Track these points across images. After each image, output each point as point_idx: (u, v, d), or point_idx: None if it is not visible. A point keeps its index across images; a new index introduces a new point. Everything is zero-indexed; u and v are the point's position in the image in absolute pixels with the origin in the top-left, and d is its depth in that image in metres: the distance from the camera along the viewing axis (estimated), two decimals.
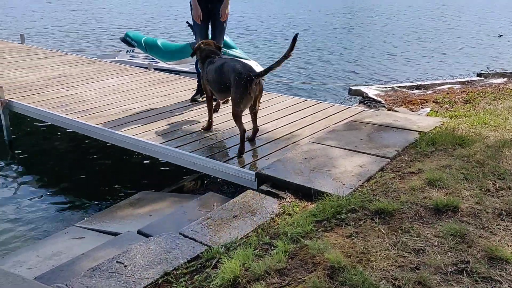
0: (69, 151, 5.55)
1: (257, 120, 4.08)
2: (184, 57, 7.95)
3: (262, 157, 3.76)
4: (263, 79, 3.89)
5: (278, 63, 3.62)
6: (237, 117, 3.80)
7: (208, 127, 4.40)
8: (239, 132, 3.83)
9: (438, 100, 5.86)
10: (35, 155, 5.44)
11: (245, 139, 3.88)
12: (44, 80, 6.17)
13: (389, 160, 3.47)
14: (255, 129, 4.08)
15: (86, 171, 5.03)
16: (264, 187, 3.26)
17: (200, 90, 5.40)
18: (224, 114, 4.87)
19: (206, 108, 4.42)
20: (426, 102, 5.87)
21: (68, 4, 23.58)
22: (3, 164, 5.17)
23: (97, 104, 5.16)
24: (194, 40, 8.06)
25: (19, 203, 4.33)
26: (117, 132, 4.36)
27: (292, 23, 19.35)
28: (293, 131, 4.36)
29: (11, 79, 6.18)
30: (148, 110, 5.00)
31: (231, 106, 3.82)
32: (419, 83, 7.18)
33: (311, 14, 23.20)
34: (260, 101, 4.05)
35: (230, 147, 4.06)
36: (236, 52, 7.86)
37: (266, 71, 3.72)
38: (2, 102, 5.26)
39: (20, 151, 5.51)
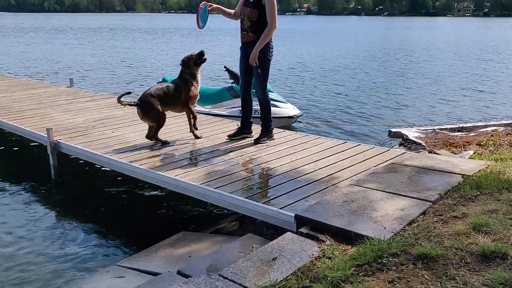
0: (112, 191, 5.70)
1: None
2: (221, 101, 8.16)
3: (301, 199, 3.76)
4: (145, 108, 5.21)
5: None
6: None
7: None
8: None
9: (481, 143, 5.73)
10: (79, 194, 5.61)
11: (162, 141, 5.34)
12: (90, 122, 6.44)
13: (431, 203, 3.39)
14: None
15: (127, 211, 5.14)
16: (303, 230, 3.24)
17: (239, 131, 5.52)
18: (267, 154, 4.94)
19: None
20: (469, 144, 5.75)
21: (112, 50, 24.76)
22: (49, 203, 5.34)
23: (140, 146, 5.32)
24: (231, 84, 8.30)
25: (62, 242, 4.44)
26: (158, 172, 4.46)
27: (330, 64, 19.54)
28: (333, 173, 4.35)
29: (59, 121, 6.48)
30: (189, 152, 5.12)
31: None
32: (461, 125, 7.06)
33: (349, 54, 23.40)
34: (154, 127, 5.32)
35: (270, 187, 4.09)
36: (273, 95, 7.98)
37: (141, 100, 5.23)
38: (51, 143, 5.50)
39: (65, 190, 5.69)
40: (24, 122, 6.44)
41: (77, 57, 21.64)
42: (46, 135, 5.53)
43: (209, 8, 5.17)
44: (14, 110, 7.21)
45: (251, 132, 5.57)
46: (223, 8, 5.38)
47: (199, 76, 5.43)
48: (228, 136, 5.56)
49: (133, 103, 5.29)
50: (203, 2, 5.13)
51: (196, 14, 5.10)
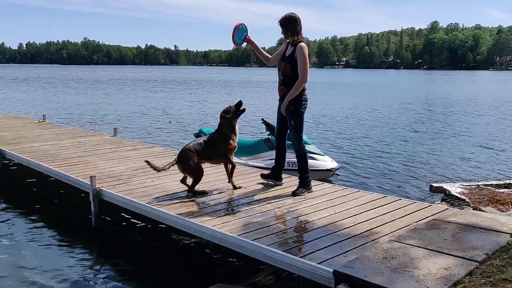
0: (149, 239, 5.73)
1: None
2: (258, 153, 8.21)
3: (340, 254, 3.66)
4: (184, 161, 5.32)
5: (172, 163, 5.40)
6: None
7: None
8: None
9: None
10: (117, 241, 5.67)
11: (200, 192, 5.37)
12: (132, 171, 6.58)
13: (478, 264, 3.24)
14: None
15: (164, 259, 5.13)
16: (342, 286, 3.15)
17: (270, 176, 5.74)
18: (305, 207, 4.89)
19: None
20: None
21: (155, 101, 25.63)
22: (88, 249, 5.41)
23: (179, 194, 5.37)
24: (268, 136, 8.37)
25: None
26: (195, 222, 4.47)
27: (368, 116, 19.48)
28: (372, 228, 4.24)
29: (102, 169, 6.65)
30: (227, 202, 5.14)
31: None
32: (508, 181, 6.81)
33: (388, 107, 23.30)
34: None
35: (308, 241, 4.01)
36: (310, 148, 7.97)
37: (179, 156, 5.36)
38: (93, 190, 5.63)
39: (104, 237, 5.76)
40: (68, 169, 6.65)
41: (121, 107, 22.51)
42: (89, 182, 5.68)
43: (247, 37, 5.35)
44: (60, 157, 7.48)
45: (281, 181, 5.75)
46: (260, 48, 5.53)
47: (237, 128, 5.51)
48: (261, 174, 5.89)
49: (173, 162, 5.41)
50: (239, 22, 5.32)
51: (232, 32, 5.28)
